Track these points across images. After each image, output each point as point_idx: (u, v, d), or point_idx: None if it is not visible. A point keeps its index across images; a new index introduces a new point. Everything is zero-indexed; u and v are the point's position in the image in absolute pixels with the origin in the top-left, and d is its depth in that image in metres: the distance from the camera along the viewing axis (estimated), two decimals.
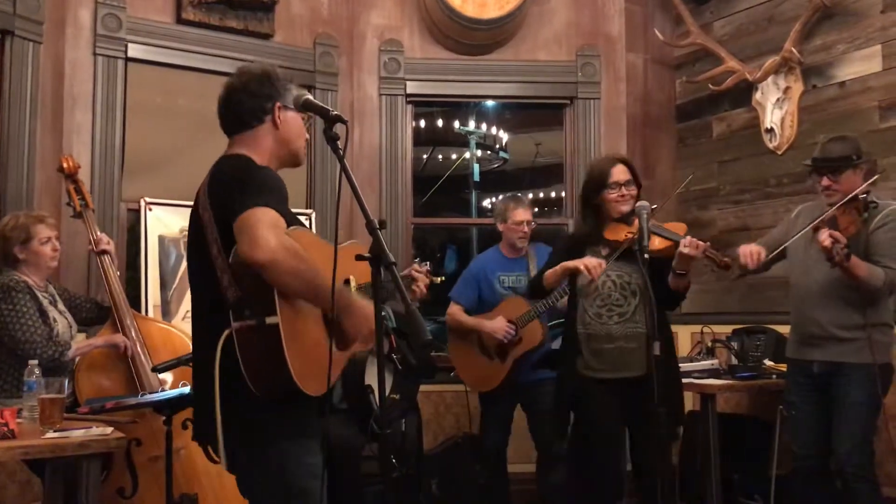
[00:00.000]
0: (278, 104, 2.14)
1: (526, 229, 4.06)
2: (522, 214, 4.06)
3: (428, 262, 2.88)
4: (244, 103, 2.14)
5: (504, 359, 3.96)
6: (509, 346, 3.95)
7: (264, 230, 1.84)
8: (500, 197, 4.32)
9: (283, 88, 2.17)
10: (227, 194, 1.97)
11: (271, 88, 2.15)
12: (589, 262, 3.05)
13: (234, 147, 2.17)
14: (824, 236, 2.97)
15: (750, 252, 3.25)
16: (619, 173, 3.18)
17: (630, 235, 3.07)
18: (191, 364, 3.10)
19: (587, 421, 3.22)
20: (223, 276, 1.96)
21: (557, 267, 3.19)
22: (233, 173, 2.04)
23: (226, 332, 1.91)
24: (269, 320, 1.87)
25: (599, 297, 3.17)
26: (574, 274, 3.15)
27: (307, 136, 2.25)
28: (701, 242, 2.97)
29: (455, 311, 4.08)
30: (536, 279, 3.37)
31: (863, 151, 3.31)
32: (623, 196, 3.16)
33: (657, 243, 3.04)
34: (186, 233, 4.13)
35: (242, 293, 1.93)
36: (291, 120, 2.17)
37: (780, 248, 3.27)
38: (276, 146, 2.16)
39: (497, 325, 3.93)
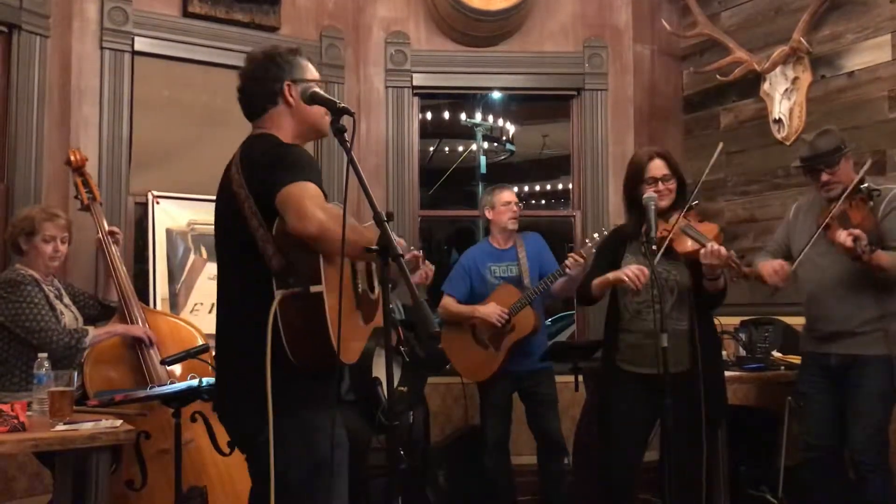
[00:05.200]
0: (287, 82, 2.15)
1: (515, 209, 4.14)
2: (508, 196, 4.17)
3: (421, 250, 2.94)
4: (253, 91, 2.18)
5: (498, 347, 3.99)
6: (503, 334, 3.96)
7: (309, 203, 1.89)
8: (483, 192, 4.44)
9: (289, 64, 2.17)
10: (265, 170, 2.00)
11: (276, 69, 2.16)
12: (631, 272, 2.97)
13: (257, 129, 2.20)
14: (843, 236, 2.94)
15: (774, 271, 3.22)
16: (656, 169, 3.09)
17: (665, 233, 2.99)
18: (200, 356, 3.16)
19: (613, 412, 3.21)
20: (266, 246, 1.99)
21: (604, 278, 3.12)
22: (267, 151, 2.07)
23: (277, 299, 1.93)
24: (314, 289, 1.91)
25: (640, 294, 3.08)
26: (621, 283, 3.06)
27: None
28: (724, 251, 2.87)
29: (448, 302, 4.12)
30: (584, 289, 3.28)
31: (846, 141, 3.30)
32: (660, 192, 3.07)
33: (688, 245, 2.98)
34: (194, 227, 4.23)
35: (287, 262, 1.96)
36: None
37: (801, 256, 3.21)
38: (296, 123, 2.17)
39: (489, 309, 3.96)
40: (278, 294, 1.95)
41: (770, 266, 3.26)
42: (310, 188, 1.93)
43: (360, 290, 2.17)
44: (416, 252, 2.67)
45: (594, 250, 3.79)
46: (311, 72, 2.22)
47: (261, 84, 2.16)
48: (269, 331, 1.93)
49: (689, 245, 2.99)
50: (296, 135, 2.17)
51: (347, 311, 2.05)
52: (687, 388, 2.88)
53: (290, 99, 2.15)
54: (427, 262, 2.92)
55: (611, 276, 3.08)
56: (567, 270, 3.87)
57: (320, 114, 2.17)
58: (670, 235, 2.98)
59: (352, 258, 2.05)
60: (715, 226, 3.14)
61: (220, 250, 2.21)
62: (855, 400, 3.18)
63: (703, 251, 2.90)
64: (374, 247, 1.86)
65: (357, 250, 1.96)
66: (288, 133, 2.16)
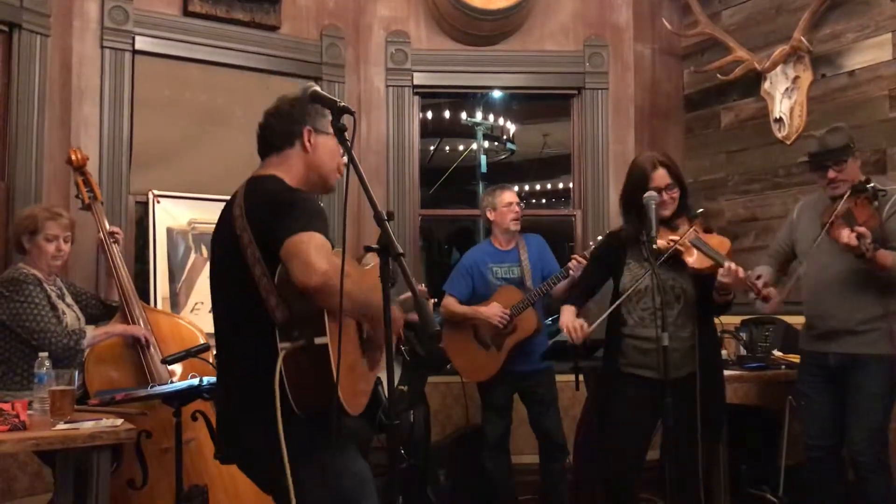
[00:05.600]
0: (308, 128, 2.15)
1: (517, 209, 4.12)
2: (510, 196, 4.14)
3: (422, 284, 2.93)
4: (274, 126, 2.18)
5: (500, 347, 3.98)
6: (504, 335, 3.97)
7: (314, 254, 1.86)
8: (484, 192, 4.39)
9: (317, 112, 2.15)
10: (270, 217, 1.97)
11: (301, 112, 2.15)
12: (570, 326, 3.01)
13: (265, 168, 2.18)
14: (847, 234, 2.94)
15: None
16: (660, 178, 3.02)
17: (672, 243, 2.95)
18: (201, 356, 3.15)
19: (615, 414, 3.19)
20: (269, 297, 1.97)
21: (573, 324, 3.08)
22: (273, 195, 2.05)
23: (282, 355, 1.91)
24: (318, 341, 1.89)
25: (642, 301, 3.06)
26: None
27: (343, 161, 2.20)
28: (742, 272, 2.84)
29: (450, 301, 4.11)
30: (575, 298, 3.29)
31: (854, 140, 3.29)
32: (664, 202, 3.01)
33: (700, 261, 2.94)
34: (194, 226, 4.23)
35: (290, 314, 1.94)
36: (323, 144, 2.16)
37: (802, 266, 3.18)
38: (306, 170, 2.16)
39: (492, 310, 3.96)
40: (282, 350, 1.92)
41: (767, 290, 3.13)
42: (316, 239, 1.90)
43: (364, 335, 2.15)
44: (420, 286, 2.69)
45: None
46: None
47: (282, 122, 2.16)
48: (277, 386, 1.90)
49: (702, 261, 2.93)
50: (303, 181, 2.15)
51: (353, 362, 2.05)
52: (689, 391, 2.89)
53: (308, 145, 2.14)
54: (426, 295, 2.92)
55: (569, 326, 3.05)
56: (570, 272, 3.86)
57: (332, 168, 2.19)
58: (676, 245, 2.95)
59: (352, 316, 2.00)
60: (726, 240, 3.07)
61: (219, 293, 2.18)
62: (854, 399, 3.18)
63: (722, 271, 2.86)
64: (375, 245, 1.85)
65: (356, 305, 1.94)
66: (295, 178, 2.14)
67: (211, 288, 2.21)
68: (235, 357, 2.10)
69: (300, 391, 1.93)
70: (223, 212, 2.15)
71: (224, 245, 2.11)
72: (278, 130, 2.17)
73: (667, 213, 3.03)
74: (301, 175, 2.15)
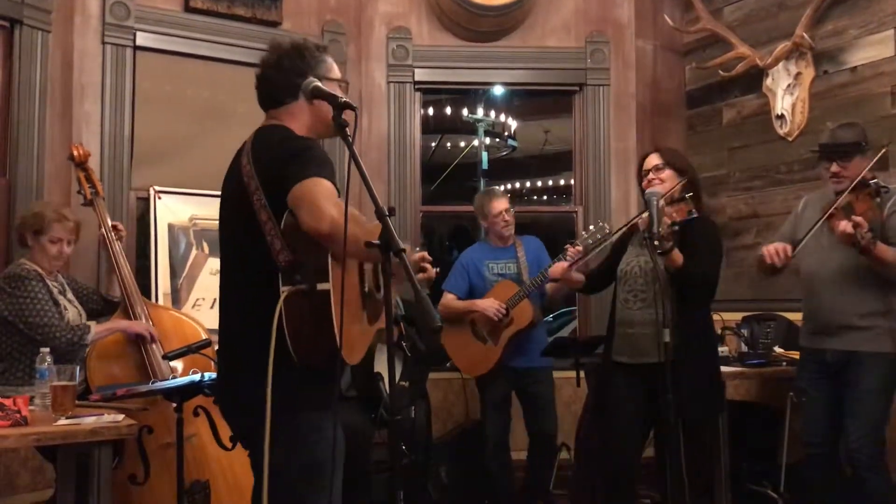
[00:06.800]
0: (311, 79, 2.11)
1: (507, 217, 4.14)
2: (499, 205, 4.14)
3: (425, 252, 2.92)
4: (276, 81, 2.14)
5: (497, 340, 4.00)
6: (501, 327, 3.98)
7: (324, 200, 1.87)
8: (476, 194, 4.41)
9: (316, 61, 2.14)
10: (278, 163, 1.97)
11: (303, 63, 2.12)
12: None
13: (271, 118, 2.17)
14: (844, 223, 2.94)
15: (776, 251, 3.18)
16: (648, 162, 3.24)
17: (638, 220, 3.07)
18: (202, 352, 3.16)
19: (607, 404, 3.27)
20: (274, 241, 1.96)
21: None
22: (280, 143, 2.04)
23: (283, 296, 1.90)
24: (321, 286, 1.88)
25: (627, 283, 3.21)
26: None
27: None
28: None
29: (448, 299, 4.15)
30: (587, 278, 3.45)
31: (868, 139, 3.28)
32: (650, 181, 3.18)
33: (645, 222, 3.04)
34: (195, 222, 4.23)
35: (294, 258, 1.93)
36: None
37: (801, 244, 3.16)
38: (312, 120, 2.15)
39: (488, 303, 3.99)
40: (284, 290, 1.92)
41: (772, 246, 3.22)
42: (324, 185, 1.91)
43: (366, 289, 2.15)
44: (423, 253, 2.65)
45: (590, 241, 3.83)
46: (336, 72, 2.21)
47: (285, 76, 2.12)
48: (274, 328, 1.90)
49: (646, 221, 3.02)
50: (309, 130, 2.15)
51: (354, 313, 2.04)
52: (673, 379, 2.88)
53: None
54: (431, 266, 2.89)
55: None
56: (568, 257, 3.85)
57: None
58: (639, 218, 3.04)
59: (358, 258, 2.01)
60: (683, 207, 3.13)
61: (225, 241, 2.19)
62: (852, 397, 3.17)
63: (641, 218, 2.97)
64: (376, 241, 1.85)
65: (363, 249, 1.91)
66: (302, 127, 2.13)
67: (220, 241, 2.21)
68: (238, 304, 2.10)
69: (299, 339, 1.91)
70: (232, 163, 2.15)
71: (231, 194, 2.13)
72: (281, 84, 2.13)
73: (657, 188, 3.14)
74: (308, 124, 2.14)
